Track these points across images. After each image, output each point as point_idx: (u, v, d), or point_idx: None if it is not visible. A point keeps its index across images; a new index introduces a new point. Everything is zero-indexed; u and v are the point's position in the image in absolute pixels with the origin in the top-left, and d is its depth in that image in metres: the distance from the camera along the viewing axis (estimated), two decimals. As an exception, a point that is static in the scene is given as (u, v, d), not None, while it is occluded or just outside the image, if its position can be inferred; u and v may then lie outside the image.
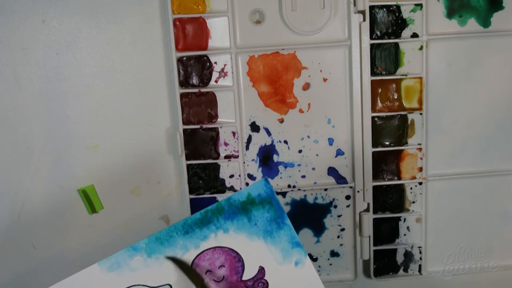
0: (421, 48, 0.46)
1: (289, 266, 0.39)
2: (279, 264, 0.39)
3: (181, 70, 0.45)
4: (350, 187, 0.48)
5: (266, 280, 0.39)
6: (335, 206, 0.48)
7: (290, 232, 0.39)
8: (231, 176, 0.47)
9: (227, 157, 0.47)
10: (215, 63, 0.46)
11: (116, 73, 0.46)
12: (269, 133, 0.47)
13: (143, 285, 0.38)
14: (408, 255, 0.49)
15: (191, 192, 0.47)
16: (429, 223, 0.49)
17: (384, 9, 0.45)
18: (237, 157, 0.47)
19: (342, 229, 0.49)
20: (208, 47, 0.45)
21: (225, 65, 0.46)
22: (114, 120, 0.47)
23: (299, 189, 0.48)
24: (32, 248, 0.48)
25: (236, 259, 0.38)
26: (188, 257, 0.38)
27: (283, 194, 0.48)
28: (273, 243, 0.39)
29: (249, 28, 0.45)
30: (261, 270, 0.39)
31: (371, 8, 0.45)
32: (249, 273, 0.39)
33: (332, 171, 0.48)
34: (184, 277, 0.37)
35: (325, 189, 0.48)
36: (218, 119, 0.46)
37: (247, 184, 0.47)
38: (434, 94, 0.47)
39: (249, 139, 0.47)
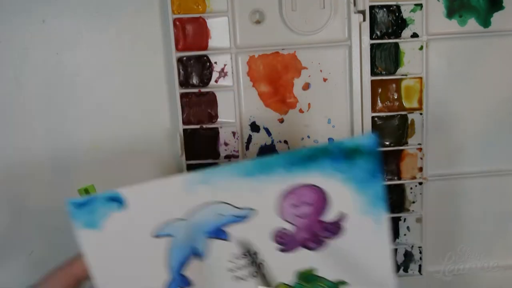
0: (421, 48, 0.46)
1: (368, 219, 0.39)
2: (360, 215, 0.39)
3: (181, 70, 0.45)
4: (350, 187, 0.48)
5: (343, 226, 0.39)
6: (335, 206, 0.48)
7: (379, 187, 0.39)
8: (231, 176, 0.47)
9: (227, 157, 0.47)
10: (215, 63, 0.46)
11: (116, 73, 0.46)
12: (269, 133, 0.47)
13: (228, 204, 0.38)
14: (408, 255, 0.49)
15: (191, 192, 0.47)
16: (429, 223, 0.49)
17: (384, 9, 0.45)
18: (237, 157, 0.47)
19: (342, 229, 0.49)
20: (208, 47, 0.45)
21: (225, 65, 0.46)
22: (114, 120, 0.47)
23: (299, 189, 0.48)
24: (32, 249, 0.48)
25: (323, 200, 0.39)
26: (282, 187, 0.38)
27: (283, 194, 0.48)
28: (361, 193, 0.39)
29: (249, 28, 0.45)
30: (342, 215, 0.39)
31: (371, 8, 0.45)
32: (330, 215, 0.39)
33: (332, 171, 0.48)
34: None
35: (325, 189, 0.48)
36: (218, 119, 0.46)
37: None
38: (434, 94, 0.47)
39: (249, 139, 0.47)
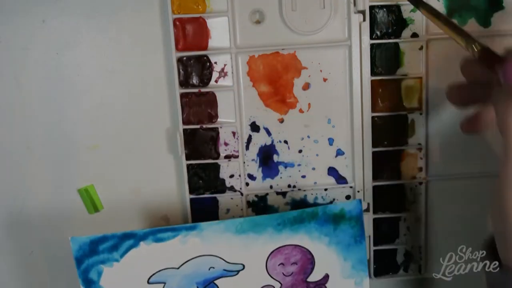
0: (421, 48, 0.46)
1: (350, 282, 0.42)
2: (343, 278, 0.42)
3: (181, 70, 0.45)
4: (350, 187, 0.48)
5: (326, 287, 0.42)
6: (335, 206, 0.48)
7: (363, 252, 0.42)
8: (231, 176, 0.47)
9: (227, 157, 0.47)
10: (215, 63, 0.46)
11: (116, 73, 0.46)
12: (269, 133, 0.47)
13: (220, 257, 0.41)
14: (408, 255, 0.49)
15: (191, 192, 0.47)
16: (429, 223, 0.49)
17: (384, 9, 0.45)
18: (237, 157, 0.47)
19: (342, 229, 0.49)
20: (208, 47, 0.45)
21: (225, 65, 0.46)
22: (114, 120, 0.47)
23: (299, 189, 0.48)
24: (32, 249, 0.48)
25: (309, 261, 0.42)
26: (271, 245, 0.41)
27: (283, 194, 0.48)
28: (345, 257, 0.42)
29: (249, 28, 0.45)
30: (326, 277, 0.42)
31: (371, 8, 0.45)
32: (315, 276, 0.42)
33: (332, 171, 0.48)
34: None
35: (325, 189, 0.48)
36: (218, 119, 0.46)
37: (247, 184, 0.47)
38: (434, 94, 0.47)
39: (249, 139, 0.47)
